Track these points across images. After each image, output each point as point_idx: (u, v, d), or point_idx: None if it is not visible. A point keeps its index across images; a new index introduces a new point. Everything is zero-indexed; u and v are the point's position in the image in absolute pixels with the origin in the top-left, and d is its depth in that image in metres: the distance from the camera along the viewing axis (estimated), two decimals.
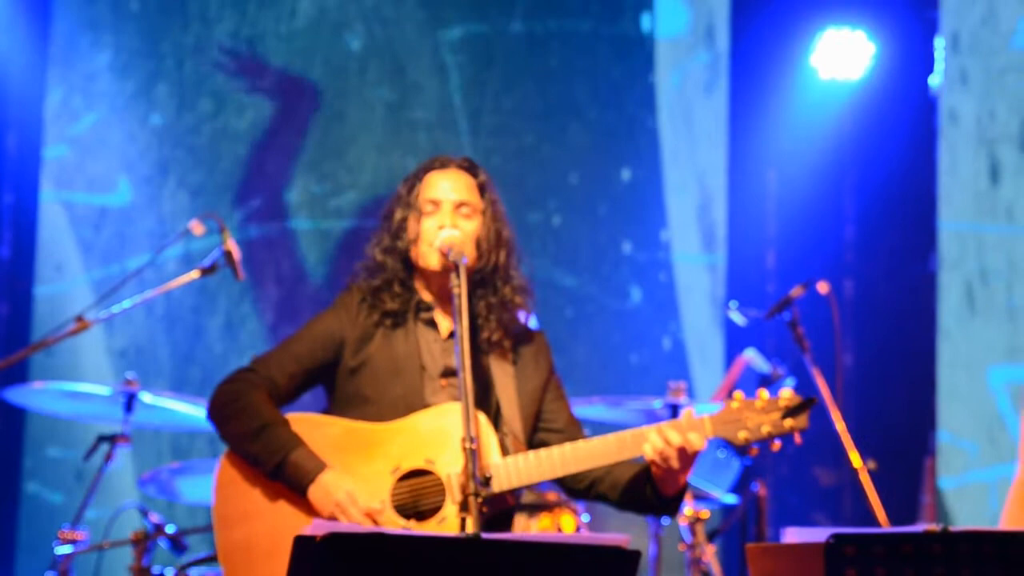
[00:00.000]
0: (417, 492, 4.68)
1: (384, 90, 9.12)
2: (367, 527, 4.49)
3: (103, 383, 7.02)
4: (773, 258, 9.27)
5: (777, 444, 4.67)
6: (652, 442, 4.56)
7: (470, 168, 4.95)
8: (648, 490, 4.70)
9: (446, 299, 4.87)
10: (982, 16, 8.98)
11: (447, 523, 4.59)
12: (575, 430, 4.90)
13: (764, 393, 4.66)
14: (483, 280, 4.87)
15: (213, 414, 4.82)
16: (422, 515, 4.65)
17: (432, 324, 4.89)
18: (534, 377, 4.91)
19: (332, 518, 4.62)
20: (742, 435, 4.62)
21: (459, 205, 4.86)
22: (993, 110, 8.95)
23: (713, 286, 9.21)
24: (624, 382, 9.03)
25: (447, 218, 4.83)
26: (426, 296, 4.91)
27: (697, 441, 4.56)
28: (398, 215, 4.90)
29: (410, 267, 4.90)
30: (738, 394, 4.68)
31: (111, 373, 8.42)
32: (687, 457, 4.58)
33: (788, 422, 4.62)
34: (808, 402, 4.65)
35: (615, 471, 4.77)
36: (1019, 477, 5.38)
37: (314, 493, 4.64)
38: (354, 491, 4.62)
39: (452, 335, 4.85)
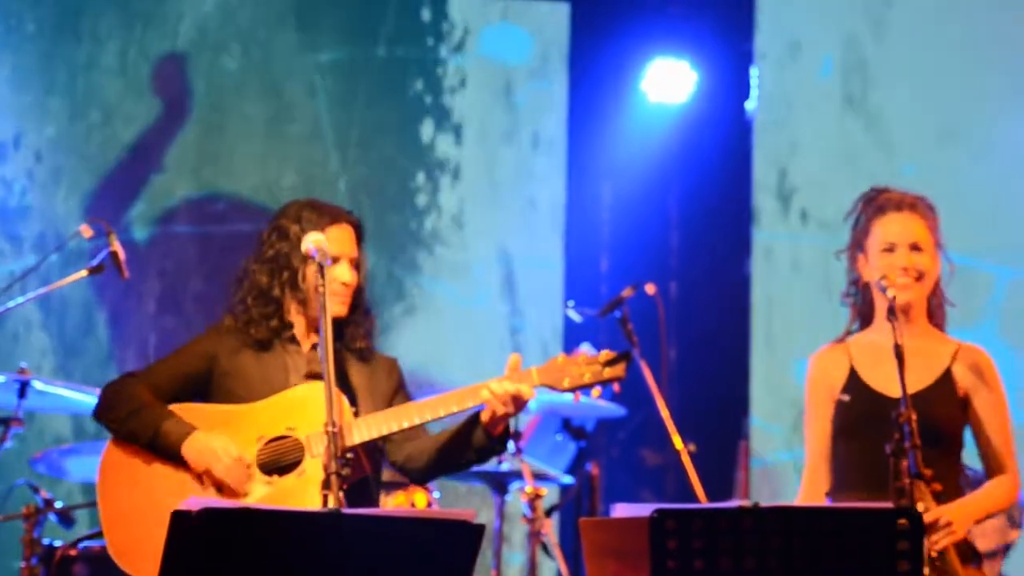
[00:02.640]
0: (279, 452, 4.71)
1: (261, 106, 9.03)
2: (238, 503, 4.45)
3: (3, 371, 6.87)
4: (606, 262, 9.30)
5: (597, 390, 4.67)
6: (491, 389, 4.59)
7: (358, 226, 4.96)
8: (479, 432, 4.69)
9: (316, 323, 4.83)
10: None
11: (306, 475, 4.62)
12: (417, 432, 4.86)
13: (584, 353, 4.70)
14: (354, 319, 4.92)
15: (98, 410, 4.85)
16: (283, 470, 4.67)
17: (294, 340, 4.91)
18: (385, 382, 4.94)
19: (207, 470, 4.65)
20: (566, 382, 4.64)
21: (352, 260, 4.89)
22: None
23: (553, 288, 9.20)
24: (476, 372, 9.00)
25: (346, 274, 4.84)
26: (295, 319, 4.91)
27: (526, 390, 4.59)
28: (295, 263, 4.85)
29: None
30: (562, 353, 4.74)
31: (6, 361, 8.24)
32: (520, 404, 4.61)
33: (607, 371, 4.63)
34: (624, 355, 4.66)
35: (442, 439, 4.79)
36: (808, 468, 5.32)
37: (187, 451, 4.67)
38: (226, 443, 4.66)
39: (314, 347, 4.88)
